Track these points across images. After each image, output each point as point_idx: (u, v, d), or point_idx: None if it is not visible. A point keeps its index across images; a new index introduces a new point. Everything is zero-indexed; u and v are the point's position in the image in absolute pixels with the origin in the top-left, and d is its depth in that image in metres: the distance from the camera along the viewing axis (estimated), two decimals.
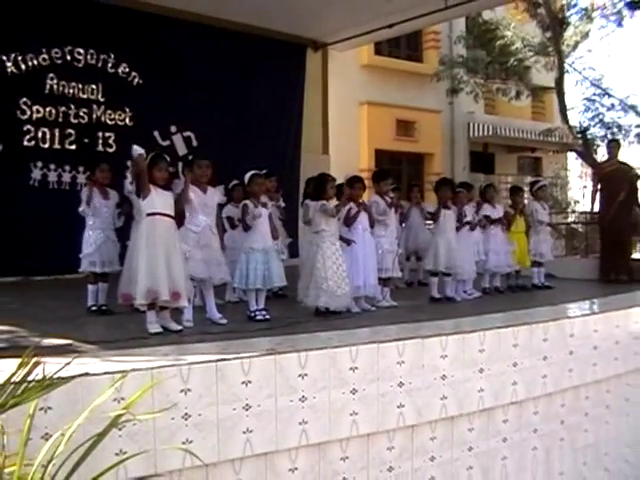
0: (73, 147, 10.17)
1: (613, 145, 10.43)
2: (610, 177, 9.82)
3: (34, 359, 2.64)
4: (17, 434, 2.65)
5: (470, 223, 7.83)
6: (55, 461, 2.58)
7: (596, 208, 10.20)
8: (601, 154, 18.98)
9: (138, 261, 5.08)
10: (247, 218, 6.00)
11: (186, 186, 5.63)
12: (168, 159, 5.49)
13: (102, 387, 3.39)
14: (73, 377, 3.04)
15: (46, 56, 9.87)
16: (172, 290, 5.13)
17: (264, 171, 6.69)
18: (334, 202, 6.44)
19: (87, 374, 3.27)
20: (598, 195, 10.06)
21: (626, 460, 6.89)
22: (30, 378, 2.66)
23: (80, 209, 6.48)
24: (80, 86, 10.23)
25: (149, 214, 5.20)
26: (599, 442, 6.55)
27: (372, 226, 6.83)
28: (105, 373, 3.55)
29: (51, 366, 2.82)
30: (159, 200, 5.24)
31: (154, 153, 5.43)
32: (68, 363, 2.89)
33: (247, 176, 6.25)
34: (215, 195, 5.96)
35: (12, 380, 2.59)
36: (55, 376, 2.73)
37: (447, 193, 7.62)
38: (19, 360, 2.67)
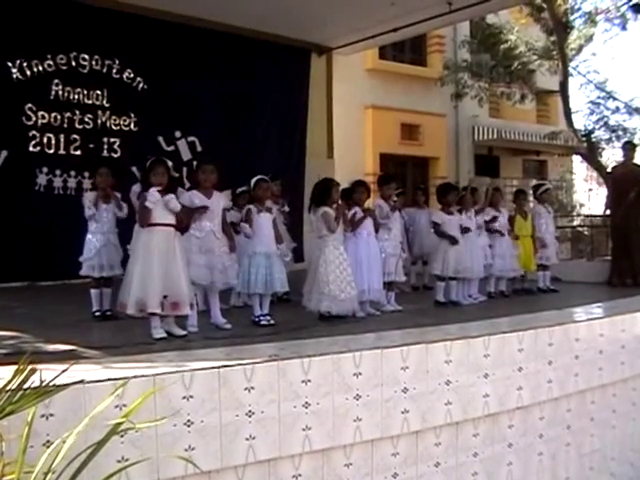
0: (78, 152, 10.18)
1: (628, 147, 10.22)
2: (621, 178, 9.75)
3: (30, 366, 2.62)
4: (18, 440, 2.63)
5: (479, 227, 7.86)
6: (56, 468, 2.56)
7: (608, 211, 10.12)
8: (606, 157, 18.95)
9: (133, 272, 5.14)
10: (244, 225, 6.01)
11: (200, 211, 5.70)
12: (170, 164, 5.45)
13: (104, 394, 3.37)
14: (70, 384, 3.01)
15: (51, 62, 9.89)
16: (170, 300, 5.13)
17: (269, 175, 6.70)
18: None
19: (83, 381, 3.23)
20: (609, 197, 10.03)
21: (632, 464, 6.83)
22: (30, 385, 2.64)
23: (89, 213, 6.42)
24: (85, 92, 10.25)
25: (148, 225, 5.21)
26: (605, 447, 6.49)
27: (377, 231, 6.81)
28: (107, 380, 3.52)
29: (53, 373, 2.81)
30: (157, 210, 5.23)
31: (153, 158, 5.42)
32: (65, 370, 2.87)
33: (253, 181, 6.25)
34: (220, 200, 5.95)
35: (9, 387, 2.57)
36: (53, 383, 2.70)
37: (454, 199, 7.61)
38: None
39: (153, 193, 5.21)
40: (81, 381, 3.18)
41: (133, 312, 5.13)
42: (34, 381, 2.67)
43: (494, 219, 8.19)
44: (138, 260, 5.14)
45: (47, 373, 2.82)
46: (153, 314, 5.17)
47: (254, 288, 5.97)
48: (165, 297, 5.12)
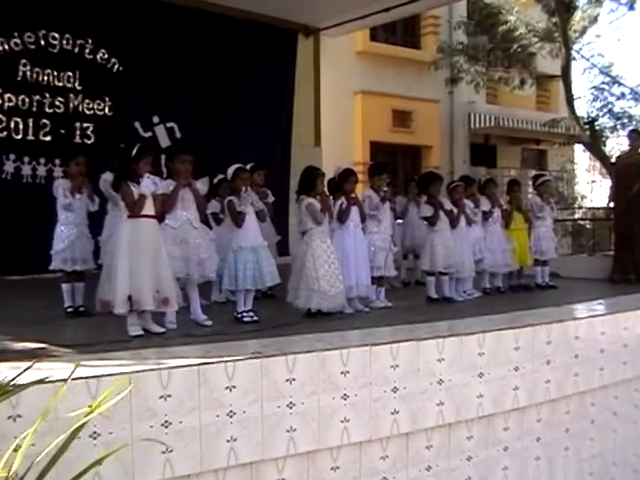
0: (48, 138, 10.13)
1: (634, 135, 10.14)
2: (626, 169, 9.77)
3: None
4: None
5: (469, 219, 7.86)
6: (18, 470, 2.56)
7: (611, 204, 10.17)
8: (610, 146, 19.04)
9: (118, 267, 5.05)
10: (239, 208, 6.00)
11: (175, 194, 5.69)
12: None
13: (76, 393, 3.39)
14: (32, 384, 2.99)
15: (18, 40, 9.81)
16: (161, 296, 5.14)
17: (249, 165, 6.73)
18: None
19: (45, 379, 3.20)
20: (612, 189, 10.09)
21: (635, 470, 6.90)
22: None
23: (67, 202, 6.37)
24: (55, 73, 10.19)
25: (131, 216, 5.19)
26: (606, 451, 6.56)
27: (363, 221, 6.83)
28: (79, 378, 3.51)
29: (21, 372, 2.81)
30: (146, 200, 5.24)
31: (140, 145, 5.44)
32: (28, 368, 2.87)
33: (230, 170, 6.23)
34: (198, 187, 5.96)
35: None
36: (14, 382, 2.71)
37: (439, 189, 7.64)
38: None
39: (148, 181, 5.22)
40: (42, 380, 3.14)
41: (123, 311, 5.08)
42: None
43: (490, 212, 8.22)
44: (123, 254, 5.06)
45: (16, 372, 2.83)
46: (142, 311, 5.17)
47: (243, 284, 5.95)
48: (157, 292, 5.13)
